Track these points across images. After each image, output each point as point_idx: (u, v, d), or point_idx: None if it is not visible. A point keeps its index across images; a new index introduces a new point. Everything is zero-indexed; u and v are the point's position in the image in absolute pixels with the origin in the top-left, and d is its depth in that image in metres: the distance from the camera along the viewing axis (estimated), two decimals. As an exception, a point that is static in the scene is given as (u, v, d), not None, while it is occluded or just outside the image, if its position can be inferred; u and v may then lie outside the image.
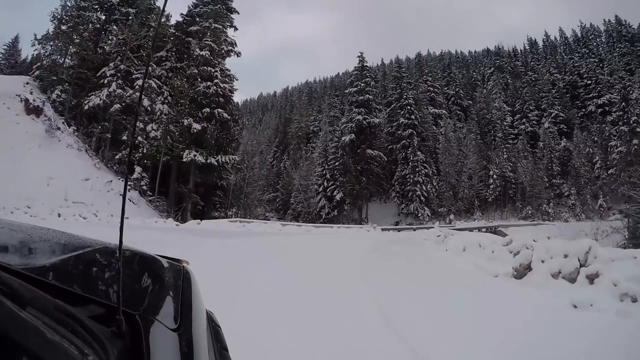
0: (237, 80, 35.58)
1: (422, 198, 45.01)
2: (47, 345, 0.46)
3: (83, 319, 0.58)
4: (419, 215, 45.00)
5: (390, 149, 49.00)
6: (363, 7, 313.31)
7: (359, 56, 49.49)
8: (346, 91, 52.32)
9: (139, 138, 28.60)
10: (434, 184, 46.71)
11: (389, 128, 50.71)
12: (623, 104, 36.95)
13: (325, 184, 47.58)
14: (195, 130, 31.16)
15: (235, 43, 34.46)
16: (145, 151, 29.12)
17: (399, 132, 48.03)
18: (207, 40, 33.28)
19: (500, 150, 53.18)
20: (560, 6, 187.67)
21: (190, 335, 0.79)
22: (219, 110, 32.79)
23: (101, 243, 1.15)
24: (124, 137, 28.77)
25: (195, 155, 30.83)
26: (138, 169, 29.13)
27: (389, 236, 23.57)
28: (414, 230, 33.45)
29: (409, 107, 48.46)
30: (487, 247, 9.50)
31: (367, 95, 47.72)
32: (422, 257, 10.38)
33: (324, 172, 48.18)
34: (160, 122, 30.02)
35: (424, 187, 45.11)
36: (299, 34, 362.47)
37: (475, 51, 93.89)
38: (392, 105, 51.24)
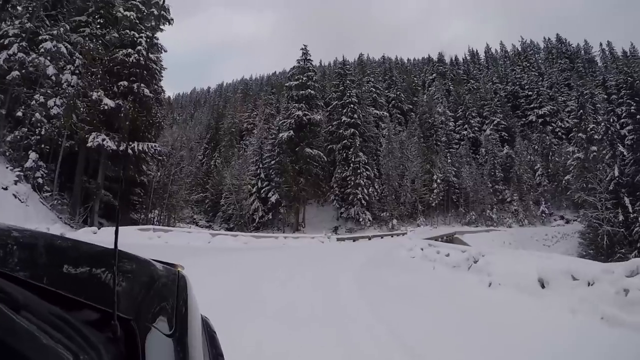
0: (165, 51, 30.93)
1: (363, 202, 42.86)
2: (42, 351, 0.46)
3: (78, 324, 0.58)
4: (360, 219, 42.78)
5: (330, 149, 47.02)
6: (303, 11, 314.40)
7: (302, 49, 47.87)
8: (286, 84, 49.60)
9: (37, 115, 23.62)
10: (376, 187, 44.86)
11: (330, 127, 48.82)
12: (580, 111, 38.89)
13: (260, 184, 44.74)
14: (106, 108, 25.57)
15: (169, 9, 29.09)
16: (43, 132, 23.86)
17: (340, 131, 45.89)
18: (135, 1, 28.14)
19: (444, 155, 53.15)
20: (499, 23, 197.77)
21: (185, 340, 0.80)
22: (140, 85, 27.32)
23: (97, 247, 1.12)
24: (20, 114, 23.72)
25: (104, 140, 24.98)
26: (33, 155, 23.41)
27: (358, 251, 18.96)
28: (369, 238, 32.77)
29: (352, 106, 46.51)
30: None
31: (309, 91, 45.74)
32: (454, 302, 7.20)
33: (259, 171, 44.79)
34: (65, 95, 24.65)
35: (365, 190, 42.89)
36: (237, 32, 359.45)
37: (415, 59, 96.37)
38: (334, 104, 49.40)
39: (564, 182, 46.82)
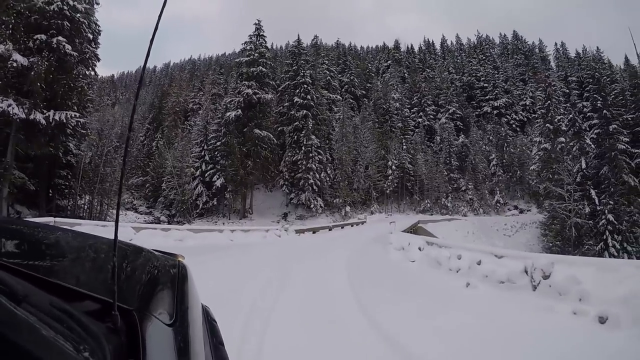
0: (98, 4, 27.17)
1: (314, 187, 40.60)
2: (43, 342, 0.47)
3: (78, 315, 0.59)
4: (311, 206, 40.66)
5: (281, 131, 44.56)
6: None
7: (255, 24, 45.03)
8: (236, 60, 45.84)
9: None
10: (328, 172, 42.50)
11: (280, 108, 46.01)
12: (548, 102, 37.40)
13: (204, 167, 41.86)
14: (16, 66, 21.11)
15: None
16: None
17: (292, 112, 43.39)
18: None
19: (399, 141, 52.22)
20: (455, 18, 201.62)
21: (186, 330, 0.81)
22: (61, 40, 23.14)
23: (97, 238, 1.10)
24: None
25: (10, 106, 20.45)
26: None
27: (328, 251, 14.80)
28: (330, 229, 29.32)
29: (305, 86, 44.06)
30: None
31: (261, 68, 42.96)
32: None
33: (203, 153, 41.63)
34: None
35: (317, 175, 40.67)
36: (185, 10, 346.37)
37: (369, 47, 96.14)
38: (286, 84, 46.40)
39: (528, 171, 46.27)
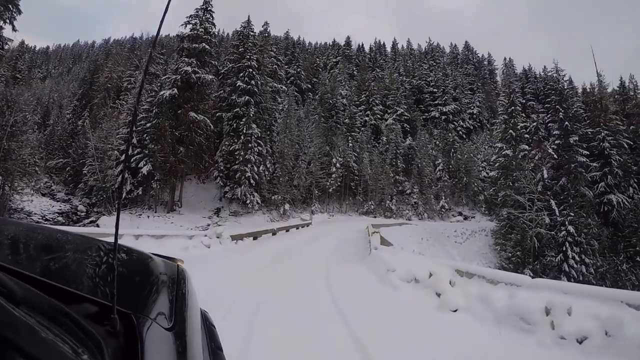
0: None
1: (252, 181, 37.43)
2: (41, 345, 0.47)
3: (77, 318, 0.59)
4: (247, 202, 37.47)
5: (219, 117, 41.17)
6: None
7: None
8: (177, 33, 41.08)
9: None
10: (268, 165, 39.15)
11: (221, 92, 42.67)
12: (512, 108, 37.09)
13: (131, 151, 35.87)
14: None
15: None
16: None
17: (233, 97, 40.05)
18: None
19: (345, 138, 50.39)
20: (405, 24, 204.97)
21: (184, 334, 0.81)
22: None
23: (96, 241, 1.11)
24: None
25: None
26: None
27: (284, 285, 8.99)
28: (273, 233, 22.92)
29: (250, 70, 40.63)
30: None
31: (205, 45, 38.98)
32: None
33: (131, 135, 35.94)
34: None
35: (255, 168, 37.42)
36: None
37: (318, 43, 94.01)
38: (230, 66, 42.90)
39: (474, 178, 47.51)
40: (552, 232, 29.00)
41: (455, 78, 75.17)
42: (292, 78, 63.42)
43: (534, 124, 37.57)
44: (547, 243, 28.89)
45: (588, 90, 41.84)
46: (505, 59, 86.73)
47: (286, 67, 63.13)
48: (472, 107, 69.67)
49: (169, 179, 37.42)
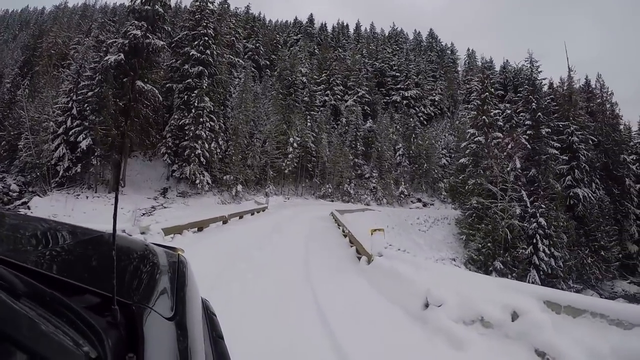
0: None
1: (202, 159, 34.79)
2: (42, 337, 0.47)
3: (78, 310, 0.59)
4: (197, 181, 35.00)
5: (169, 88, 37.92)
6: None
7: None
8: (130, -7, 37.36)
9: None
10: (220, 143, 36.48)
11: (172, 61, 39.40)
12: (486, 94, 35.43)
13: (70, 123, 33.74)
14: None
15: None
16: None
17: (186, 67, 36.81)
18: None
19: (304, 117, 48.33)
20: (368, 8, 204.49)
21: (185, 323, 0.81)
22: None
23: (95, 232, 1.14)
24: None
25: None
26: None
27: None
28: (224, 221, 17.04)
29: (206, 39, 37.95)
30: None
31: (158, 7, 35.53)
32: None
33: (70, 104, 33.71)
34: None
35: (206, 145, 34.93)
36: None
37: (278, 20, 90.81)
38: (184, 33, 39.99)
39: (434, 165, 46.26)
40: (526, 224, 28.27)
41: (419, 64, 74.28)
42: (250, 53, 60.10)
43: (508, 111, 36.55)
44: (517, 235, 28.03)
45: (557, 84, 41.59)
46: (468, 49, 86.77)
47: (245, 41, 60.21)
48: (434, 94, 68.81)
49: (112, 155, 34.16)
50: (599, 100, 42.29)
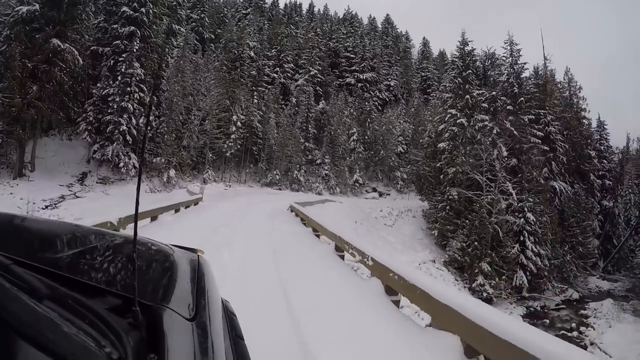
0: None
1: (128, 137, 29.39)
2: (64, 339, 0.47)
3: (99, 311, 0.60)
4: (121, 164, 30.06)
5: (94, 52, 32.01)
6: None
7: None
8: None
9: None
10: (151, 118, 30.10)
11: (100, 20, 33.61)
12: (468, 71, 33.34)
13: None
14: None
15: None
16: None
17: (116, 27, 31.42)
18: None
19: (250, 93, 43.85)
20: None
21: (206, 324, 0.82)
22: None
23: (116, 234, 1.17)
24: None
25: None
26: None
27: None
28: (154, 217, 12.39)
29: None
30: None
31: None
32: None
33: None
34: None
35: (133, 121, 29.44)
36: None
37: None
38: None
39: (390, 152, 43.76)
40: (516, 221, 25.84)
41: (374, 47, 71.54)
42: (194, 24, 55.01)
43: (493, 93, 33.25)
44: (506, 232, 25.36)
45: (532, 72, 39.55)
46: (424, 38, 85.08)
47: (189, 11, 54.86)
48: (390, 79, 66.70)
49: (16, 131, 27.93)
50: (566, 94, 41.30)
